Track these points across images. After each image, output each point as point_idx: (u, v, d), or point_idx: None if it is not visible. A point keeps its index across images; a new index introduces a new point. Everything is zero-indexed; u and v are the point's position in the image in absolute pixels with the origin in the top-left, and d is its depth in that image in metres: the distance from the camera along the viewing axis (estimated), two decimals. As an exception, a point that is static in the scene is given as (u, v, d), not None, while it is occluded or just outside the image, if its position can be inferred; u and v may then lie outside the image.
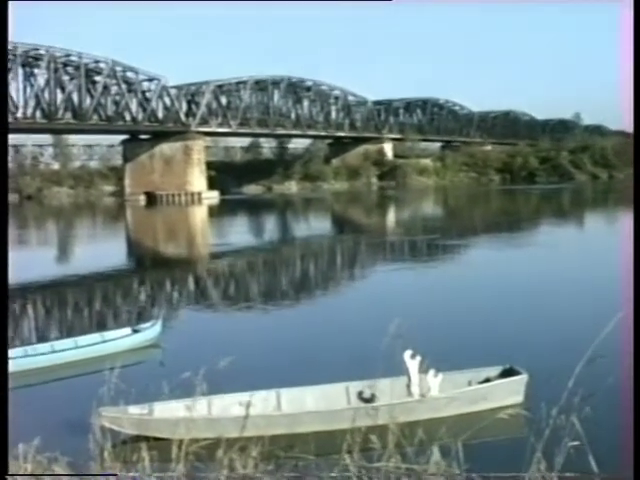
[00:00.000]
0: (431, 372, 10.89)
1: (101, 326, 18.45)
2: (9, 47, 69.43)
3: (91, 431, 6.75)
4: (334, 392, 10.99)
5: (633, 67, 7.99)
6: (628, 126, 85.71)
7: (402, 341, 7.65)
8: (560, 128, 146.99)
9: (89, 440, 6.62)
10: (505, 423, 6.54)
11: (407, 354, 10.73)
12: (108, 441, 6.93)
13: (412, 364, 10.79)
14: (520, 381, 10.95)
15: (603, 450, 5.38)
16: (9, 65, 71.79)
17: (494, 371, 11.47)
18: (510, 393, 10.61)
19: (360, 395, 10.75)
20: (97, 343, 15.64)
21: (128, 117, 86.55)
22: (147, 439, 9.23)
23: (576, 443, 4.85)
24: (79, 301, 24.17)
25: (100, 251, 40.92)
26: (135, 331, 16.41)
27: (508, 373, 11.27)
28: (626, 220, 40.52)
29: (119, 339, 15.96)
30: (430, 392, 10.85)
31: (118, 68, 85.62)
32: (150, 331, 16.36)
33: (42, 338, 17.37)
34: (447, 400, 10.48)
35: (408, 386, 10.89)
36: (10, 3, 7.75)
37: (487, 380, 11.26)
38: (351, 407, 9.70)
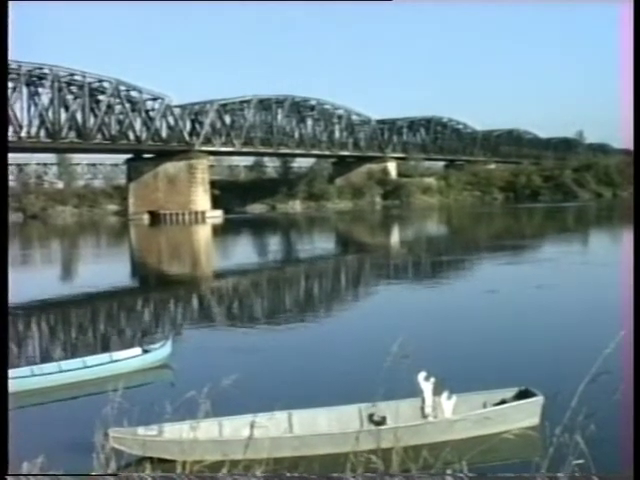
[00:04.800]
0: (445, 394, 10.77)
1: (105, 345, 18.37)
2: (13, 65, 69.96)
3: (98, 451, 6.75)
4: (346, 414, 10.84)
5: (633, 75, 8.00)
6: (629, 141, 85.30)
7: (409, 361, 7.61)
8: (563, 146, 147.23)
9: (94, 460, 6.63)
10: (517, 445, 6.48)
11: (421, 376, 10.62)
12: (112, 461, 6.93)
13: (426, 386, 10.67)
14: (536, 403, 10.75)
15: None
16: (13, 85, 72.25)
17: (509, 393, 11.28)
18: (526, 415, 10.47)
19: (373, 417, 10.56)
20: (106, 363, 15.47)
21: (132, 136, 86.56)
22: (152, 460, 9.21)
23: (581, 461, 4.86)
24: (83, 320, 24.13)
25: (104, 270, 40.89)
26: (145, 351, 16.22)
27: (524, 395, 11.09)
28: (629, 238, 40.43)
29: (129, 359, 15.74)
30: (444, 414, 10.71)
31: (122, 87, 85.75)
32: (160, 351, 16.18)
33: (46, 357, 17.24)
34: (461, 422, 10.32)
35: (422, 408, 10.76)
36: (10, 3, 7.75)
37: (502, 402, 11.07)
38: (364, 429, 9.58)
